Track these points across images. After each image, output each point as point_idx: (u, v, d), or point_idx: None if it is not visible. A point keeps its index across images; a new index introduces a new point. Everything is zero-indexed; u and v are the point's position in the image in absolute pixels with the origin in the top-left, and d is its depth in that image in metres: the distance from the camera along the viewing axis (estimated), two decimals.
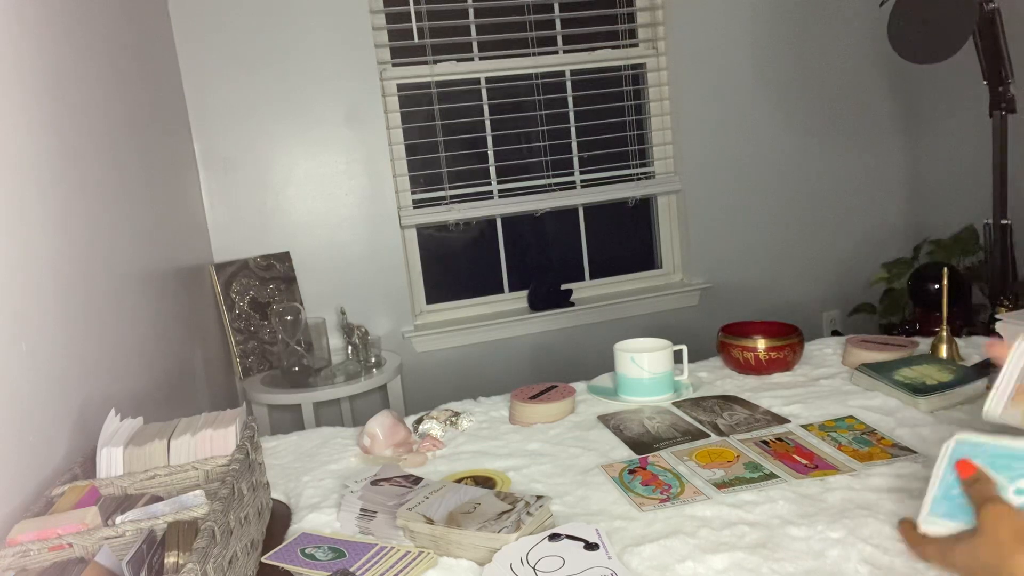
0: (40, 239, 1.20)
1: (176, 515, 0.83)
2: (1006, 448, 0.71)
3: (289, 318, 2.40)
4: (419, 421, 1.36)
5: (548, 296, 3.04)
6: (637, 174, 3.14)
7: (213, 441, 1.02)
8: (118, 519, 0.86)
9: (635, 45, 3.09)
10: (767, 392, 1.38)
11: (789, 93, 3.17)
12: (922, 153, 3.33)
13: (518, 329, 3.01)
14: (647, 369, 1.39)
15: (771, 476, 1.04)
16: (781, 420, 1.24)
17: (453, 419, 1.35)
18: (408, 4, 2.80)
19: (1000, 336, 1.44)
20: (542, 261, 3.21)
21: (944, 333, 1.43)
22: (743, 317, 3.19)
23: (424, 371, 2.92)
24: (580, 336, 3.06)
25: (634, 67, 3.11)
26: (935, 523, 0.72)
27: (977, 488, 0.70)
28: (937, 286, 2.75)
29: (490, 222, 3.07)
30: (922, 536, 0.73)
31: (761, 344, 1.45)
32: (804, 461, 1.08)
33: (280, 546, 0.96)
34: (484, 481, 1.11)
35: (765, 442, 1.16)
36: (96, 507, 0.87)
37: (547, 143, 3.03)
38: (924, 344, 1.50)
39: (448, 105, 2.92)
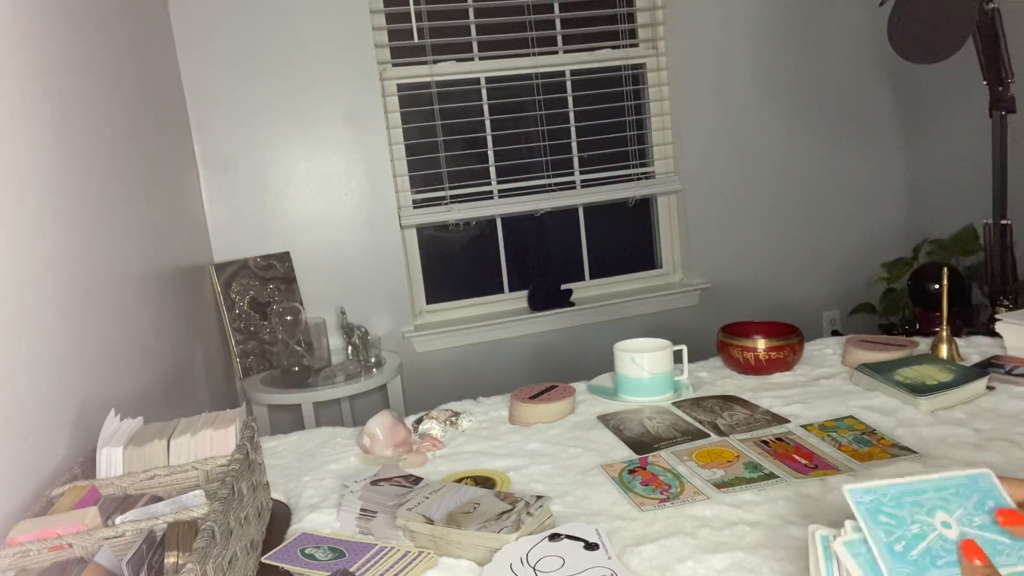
0: (40, 239, 1.20)
1: (176, 515, 0.83)
2: (905, 486, 0.69)
3: (289, 318, 2.40)
4: (419, 421, 1.36)
5: (548, 296, 3.04)
6: (637, 174, 3.14)
7: (213, 441, 1.02)
8: (118, 519, 0.86)
9: (635, 45, 3.09)
10: (767, 392, 1.38)
11: (789, 93, 3.17)
12: (922, 153, 3.33)
13: (518, 329, 3.01)
14: (647, 369, 1.39)
15: (771, 476, 1.04)
16: (781, 420, 1.24)
17: (453, 419, 1.35)
18: (408, 4, 2.80)
19: (1000, 335, 1.44)
20: (542, 261, 3.21)
21: (944, 333, 1.43)
22: (743, 317, 3.20)
23: (424, 371, 2.92)
24: (580, 336, 3.06)
25: (634, 67, 3.11)
26: None
27: None
28: (937, 286, 2.75)
29: (490, 222, 3.07)
30: None
31: (761, 344, 1.45)
32: (804, 461, 1.08)
33: (280, 546, 0.96)
34: (484, 481, 1.11)
35: (765, 442, 1.16)
36: (96, 507, 0.87)
37: (547, 143, 3.03)
38: (924, 344, 1.50)
39: (448, 105, 2.92)
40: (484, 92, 2.96)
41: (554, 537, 0.89)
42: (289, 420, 2.55)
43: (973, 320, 2.80)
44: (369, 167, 2.77)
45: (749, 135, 3.14)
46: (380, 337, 2.74)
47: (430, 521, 0.93)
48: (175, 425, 1.06)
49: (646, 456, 1.15)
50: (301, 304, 2.61)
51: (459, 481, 1.10)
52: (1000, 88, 2.33)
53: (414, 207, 2.93)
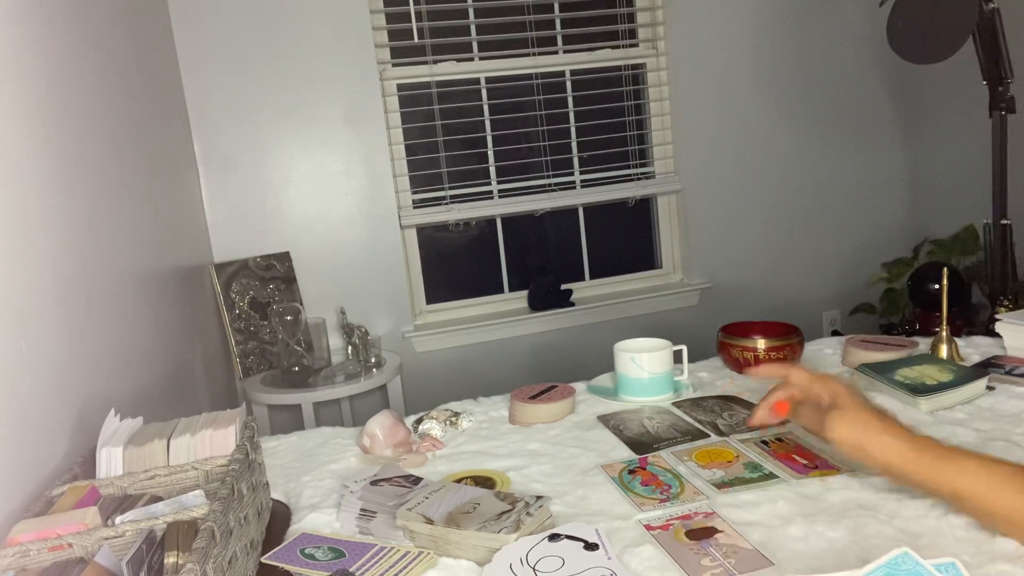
0: (40, 239, 1.20)
1: (176, 515, 0.83)
2: None
3: (289, 318, 2.40)
4: (419, 421, 1.36)
5: (548, 296, 3.04)
6: (637, 174, 3.14)
7: (213, 441, 1.02)
8: (118, 519, 0.86)
9: (635, 45, 3.09)
10: None
11: (789, 93, 3.17)
12: (922, 153, 3.33)
13: (518, 329, 3.01)
14: (647, 369, 1.39)
15: (771, 476, 1.04)
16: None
17: (453, 419, 1.35)
18: (408, 4, 2.80)
19: (1000, 335, 1.44)
20: (542, 261, 3.21)
21: (944, 333, 1.43)
22: (743, 317, 3.18)
23: (424, 371, 2.91)
24: (580, 336, 3.06)
25: (634, 67, 3.11)
26: None
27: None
28: (937, 286, 2.75)
29: (490, 222, 3.07)
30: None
31: (761, 344, 1.45)
32: (804, 461, 1.08)
33: (280, 546, 0.96)
34: (484, 481, 1.11)
35: (765, 442, 1.16)
36: (96, 507, 0.87)
37: (547, 143, 3.03)
38: (924, 344, 1.50)
39: (448, 105, 2.92)
40: (484, 92, 2.96)
41: (554, 537, 0.89)
42: (289, 420, 2.55)
43: (973, 320, 2.80)
44: (369, 167, 2.77)
45: (749, 135, 3.14)
46: (380, 337, 2.74)
47: (430, 521, 0.93)
48: (175, 425, 1.06)
49: (646, 456, 1.15)
50: (301, 304, 2.61)
51: (459, 481, 1.10)
52: (1000, 88, 2.33)
53: (414, 207, 2.93)
